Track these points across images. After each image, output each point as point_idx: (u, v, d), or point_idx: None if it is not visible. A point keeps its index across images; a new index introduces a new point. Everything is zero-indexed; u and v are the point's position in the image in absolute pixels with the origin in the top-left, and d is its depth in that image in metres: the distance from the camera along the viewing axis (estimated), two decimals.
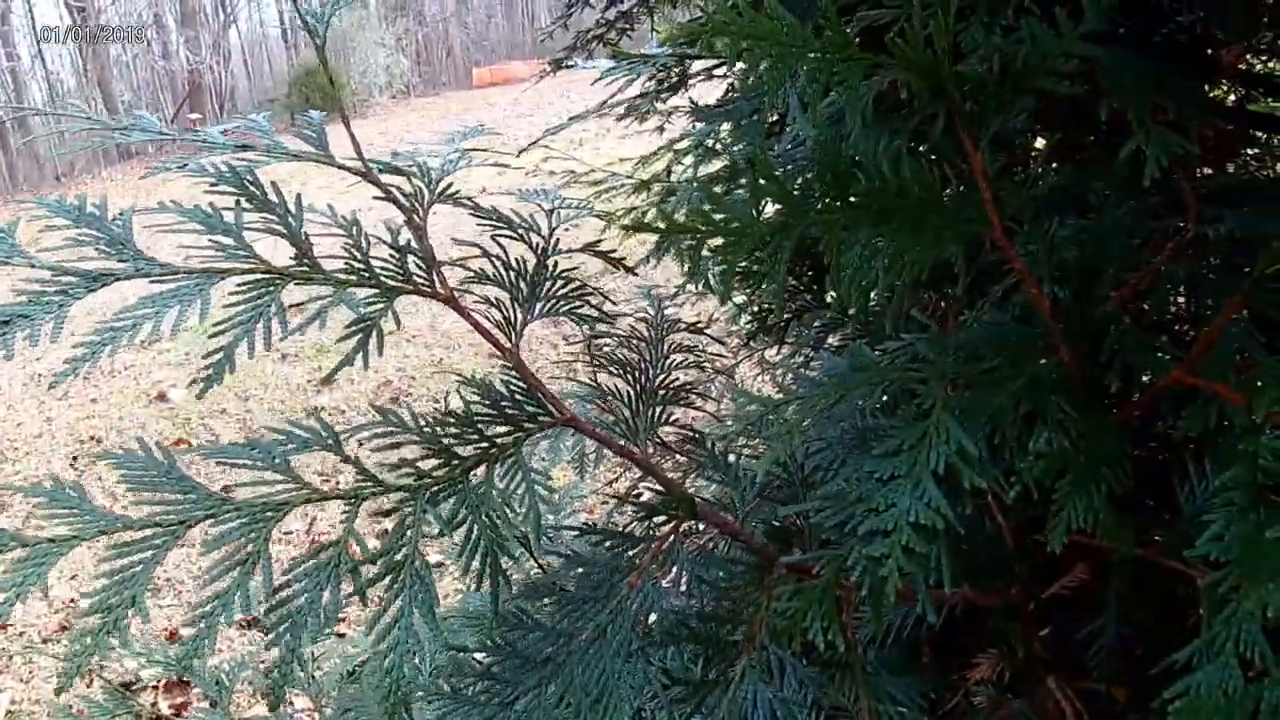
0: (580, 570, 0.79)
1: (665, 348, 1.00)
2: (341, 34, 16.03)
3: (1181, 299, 1.00)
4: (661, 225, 0.64)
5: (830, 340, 1.46)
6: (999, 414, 0.79)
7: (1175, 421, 0.84)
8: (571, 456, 1.21)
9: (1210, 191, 0.94)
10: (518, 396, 0.78)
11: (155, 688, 3.15)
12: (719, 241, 0.67)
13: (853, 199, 0.71)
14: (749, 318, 1.43)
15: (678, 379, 0.96)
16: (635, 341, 1.00)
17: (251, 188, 0.79)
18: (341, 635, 3.00)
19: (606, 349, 0.98)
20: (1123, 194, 0.92)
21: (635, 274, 0.96)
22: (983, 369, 0.83)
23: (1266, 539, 0.65)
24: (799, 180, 0.89)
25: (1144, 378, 0.88)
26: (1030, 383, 0.82)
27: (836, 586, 0.75)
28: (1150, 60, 0.85)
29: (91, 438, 5.08)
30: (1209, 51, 1.04)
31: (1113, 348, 0.86)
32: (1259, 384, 0.77)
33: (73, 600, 3.97)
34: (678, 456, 1.07)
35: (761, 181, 0.67)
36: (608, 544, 0.80)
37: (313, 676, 1.36)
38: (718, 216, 0.67)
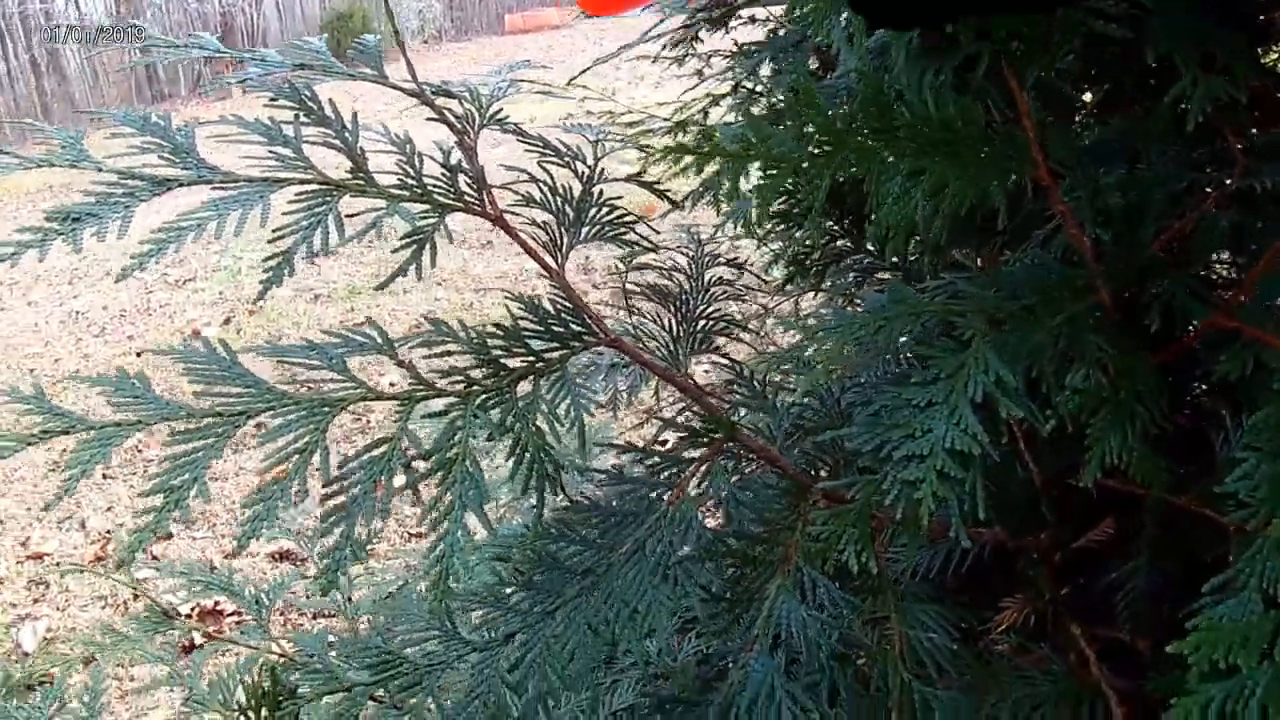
0: (621, 488, 0.81)
1: (705, 280, 1.02)
2: None
3: (1224, 258, 0.99)
4: (704, 148, 0.65)
5: (866, 287, 1.47)
6: (1038, 349, 0.80)
7: (1213, 367, 0.84)
8: (605, 398, 1.23)
9: (1258, 147, 0.93)
10: (564, 315, 0.80)
11: (189, 615, 3.23)
12: (758, 171, 0.68)
13: (896, 130, 0.71)
14: (785, 261, 1.44)
15: (718, 309, 0.97)
16: (675, 274, 1.01)
17: (310, 103, 0.81)
18: (369, 569, 3.06)
19: (647, 280, 0.99)
20: (1167, 143, 0.92)
21: (681, 207, 0.97)
22: (1022, 305, 0.84)
23: None
24: (842, 111, 0.90)
25: (1185, 322, 0.88)
26: (1069, 320, 0.83)
27: (870, 512, 0.77)
28: (1199, 13, 0.84)
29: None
30: (1260, 16, 1.03)
31: (1153, 290, 0.87)
32: None
33: (108, 532, 4.06)
34: (717, 395, 1.09)
35: (805, 108, 0.68)
36: (648, 463, 0.82)
37: (348, 600, 1.40)
38: (758, 141, 0.68)
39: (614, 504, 0.81)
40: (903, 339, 0.91)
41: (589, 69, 0.97)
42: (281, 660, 1.20)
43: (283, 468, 0.62)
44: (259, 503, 0.59)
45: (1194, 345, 0.88)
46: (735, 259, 1.08)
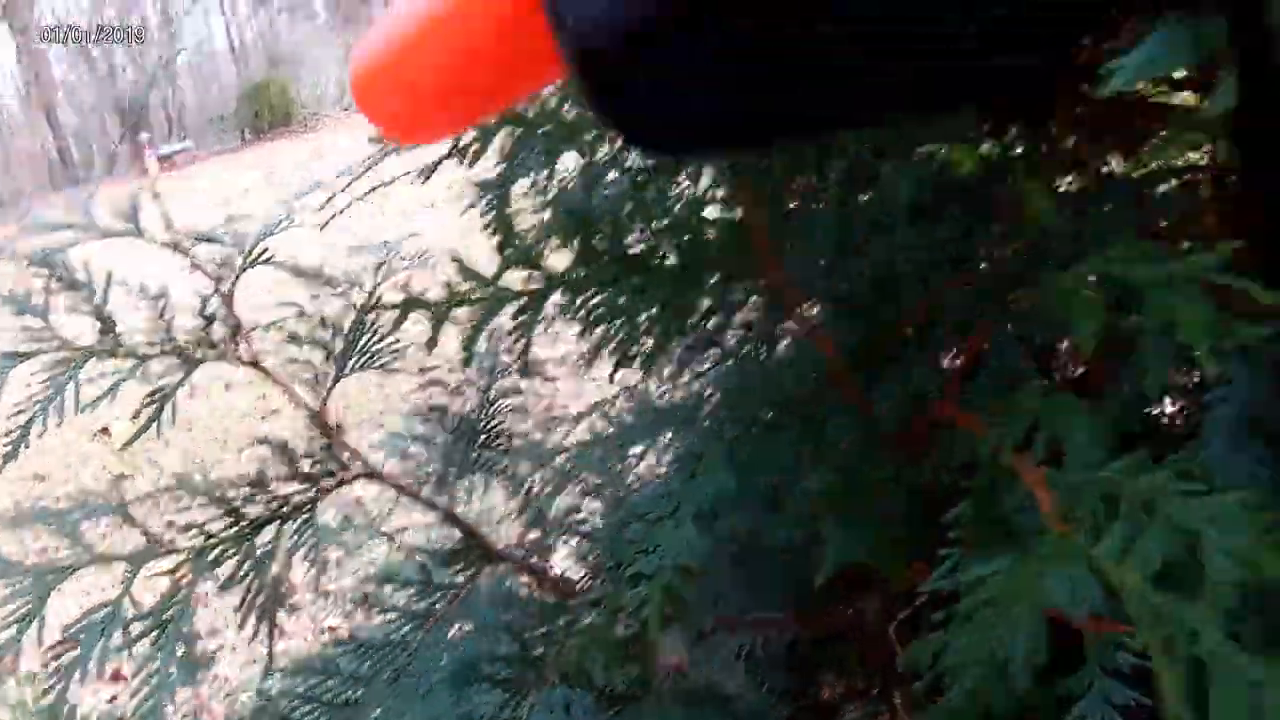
0: (383, 618, 0.83)
1: (493, 393, 1.05)
2: (293, 47, 16.00)
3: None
4: (399, 299, 0.69)
5: (695, 365, 1.52)
6: (772, 456, 0.85)
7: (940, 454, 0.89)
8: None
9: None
10: (317, 454, 0.83)
11: None
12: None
13: (601, 257, 0.76)
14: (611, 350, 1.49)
15: (500, 423, 1.01)
16: (464, 387, 1.05)
17: (61, 269, 0.83)
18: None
19: (430, 397, 1.03)
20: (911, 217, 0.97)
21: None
22: (766, 406, 0.89)
23: (986, 579, 0.70)
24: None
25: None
26: (805, 421, 0.88)
27: (615, 627, 0.81)
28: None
29: (36, 475, 5.06)
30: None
31: (891, 381, 0.93)
32: (1004, 417, 0.81)
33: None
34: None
35: (508, 251, 0.73)
36: (406, 592, 0.85)
37: None
38: (463, 287, 0.72)
39: (377, 632, 0.84)
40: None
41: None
42: None
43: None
44: None
45: (928, 431, 0.93)
46: (528, 366, 1.12)
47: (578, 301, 0.78)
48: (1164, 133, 0.85)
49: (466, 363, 0.71)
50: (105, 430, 5.35)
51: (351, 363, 0.94)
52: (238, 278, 0.90)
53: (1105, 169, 1.03)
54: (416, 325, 1.10)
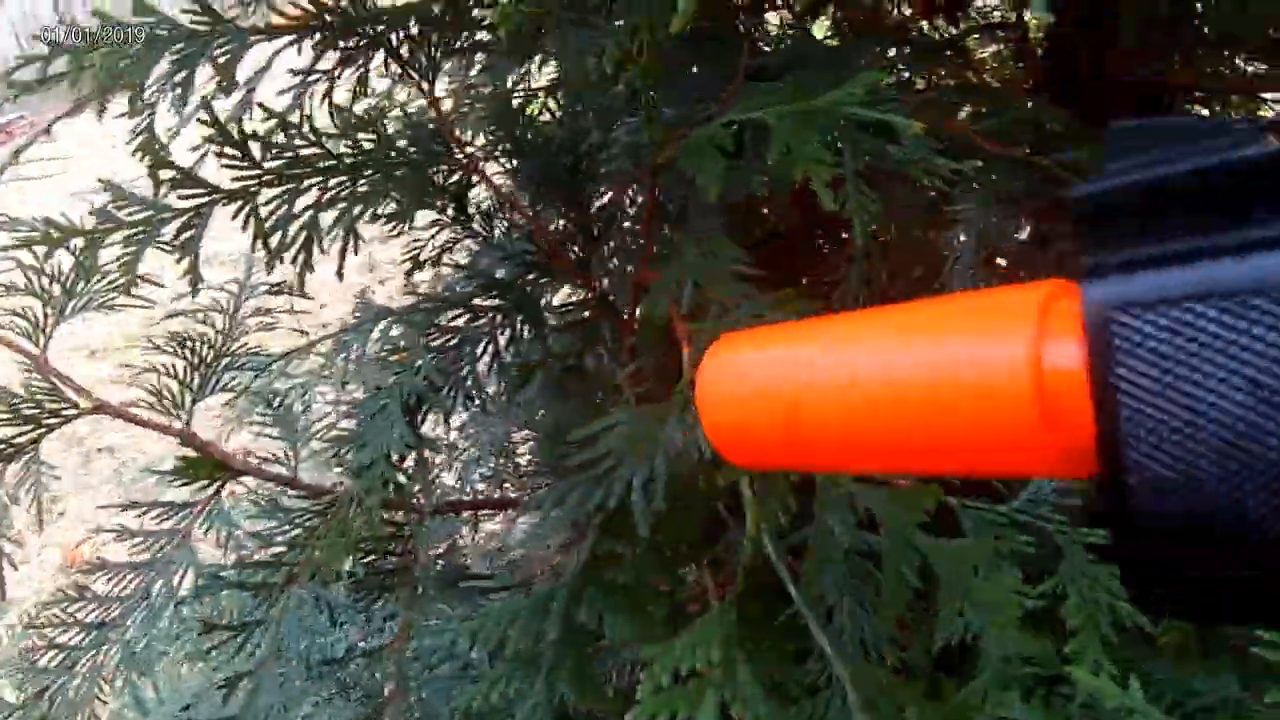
0: (132, 542, 0.88)
1: (240, 315, 1.08)
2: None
3: None
4: (54, 233, 0.71)
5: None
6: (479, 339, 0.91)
7: None
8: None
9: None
10: (38, 396, 0.86)
11: None
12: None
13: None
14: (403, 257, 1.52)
15: (245, 344, 1.04)
16: (209, 314, 1.07)
17: None
18: None
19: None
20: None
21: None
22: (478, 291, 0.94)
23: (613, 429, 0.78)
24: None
25: None
26: (521, 300, 0.94)
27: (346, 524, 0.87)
28: None
29: None
30: None
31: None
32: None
33: None
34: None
35: (163, 173, 0.75)
36: (151, 515, 0.89)
37: None
38: (122, 214, 0.75)
39: (128, 554, 0.88)
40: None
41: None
42: None
43: None
44: None
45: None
46: (281, 284, 1.15)
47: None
48: None
49: (128, 288, 0.74)
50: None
51: (75, 304, 0.95)
52: None
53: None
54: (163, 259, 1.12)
